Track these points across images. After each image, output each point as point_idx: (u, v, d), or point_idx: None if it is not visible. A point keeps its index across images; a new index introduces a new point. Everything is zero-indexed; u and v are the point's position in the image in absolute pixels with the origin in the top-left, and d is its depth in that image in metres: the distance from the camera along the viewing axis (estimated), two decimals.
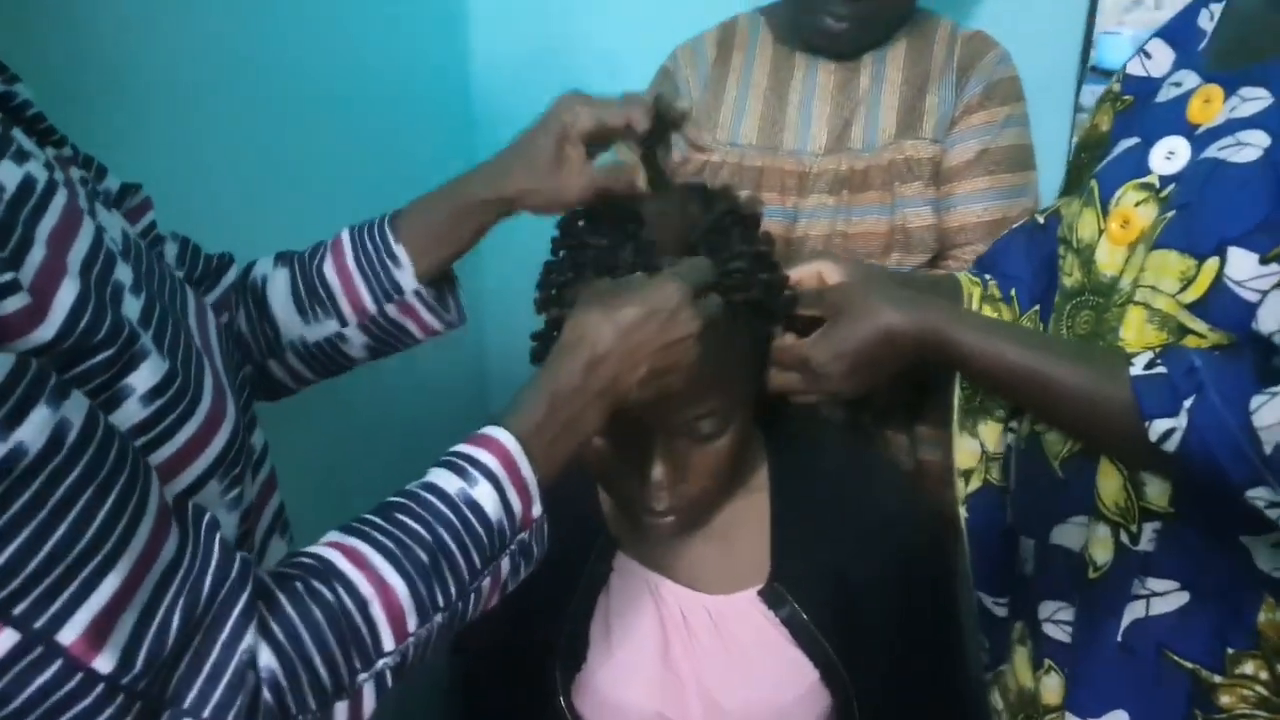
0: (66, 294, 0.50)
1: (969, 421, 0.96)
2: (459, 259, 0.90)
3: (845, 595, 0.94)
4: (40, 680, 0.44)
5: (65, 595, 0.45)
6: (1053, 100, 1.27)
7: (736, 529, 0.97)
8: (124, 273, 0.58)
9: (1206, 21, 0.86)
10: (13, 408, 0.43)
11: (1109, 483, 0.80)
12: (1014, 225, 1.05)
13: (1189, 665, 0.80)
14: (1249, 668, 0.77)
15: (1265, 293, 0.69)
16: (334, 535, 0.59)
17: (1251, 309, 0.70)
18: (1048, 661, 0.90)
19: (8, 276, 0.47)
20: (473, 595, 0.61)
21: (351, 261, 0.86)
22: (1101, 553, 0.82)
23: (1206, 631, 0.79)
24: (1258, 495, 0.67)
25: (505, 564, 0.64)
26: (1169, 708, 0.81)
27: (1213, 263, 0.71)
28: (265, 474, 0.72)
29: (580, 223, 0.87)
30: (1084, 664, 0.85)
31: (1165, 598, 0.79)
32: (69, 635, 0.45)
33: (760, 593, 0.94)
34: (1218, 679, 0.79)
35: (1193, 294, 0.73)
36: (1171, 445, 0.70)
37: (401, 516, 0.59)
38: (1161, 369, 0.72)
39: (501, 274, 1.74)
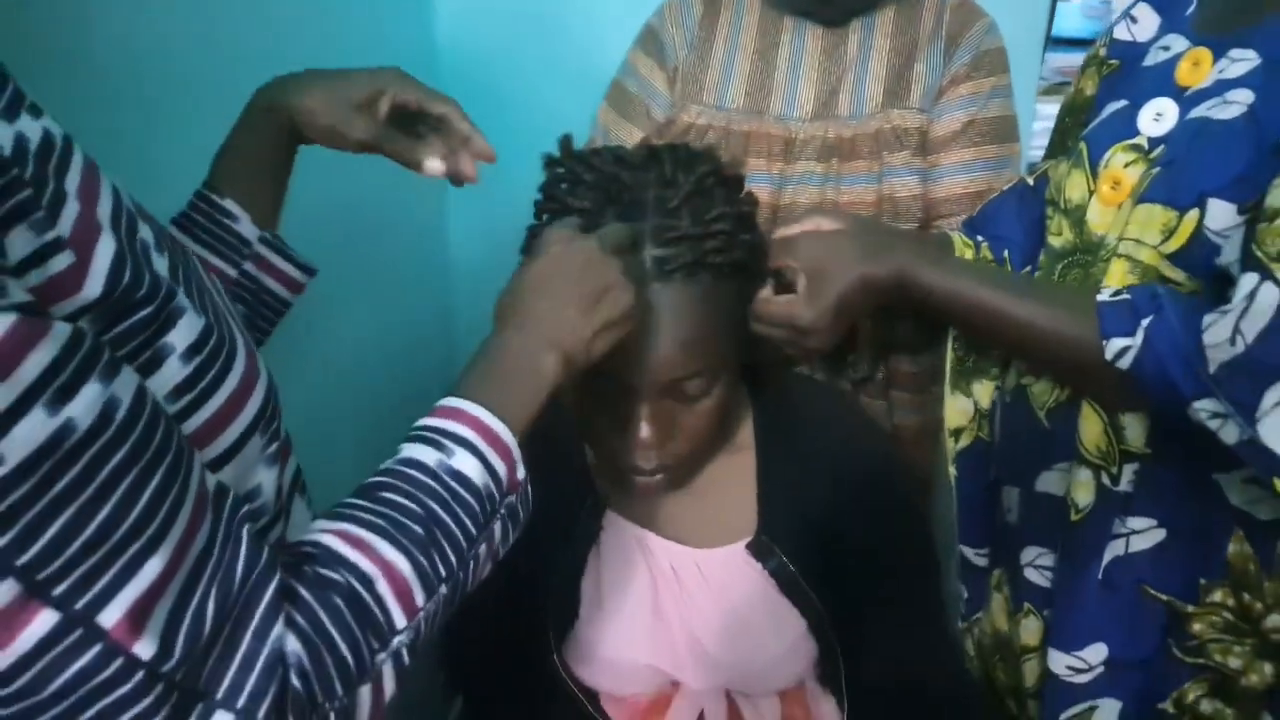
0: (105, 250, 0.49)
1: (962, 382, 0.99)
2: (283, 191, 0.87)
3: (830, 547, 0.97)
4: (80, 664, 0.43)
5: (108, 577, 0.44)
6: (1019, 69, 1.29)
7: (724, 485, 0.99)
8: (145, 231, 0.57)
9: None
10: (66, 382, 0.42)
11: (1090, 427, 0.83)
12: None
13: (1164, 598, 0.83)
14: (1218, 596, 0.82)
15: (1230, 236, 0.72)
16: (324, 523, 0.58)
17: (1218, 249, 0.73)
18: (1027, 605, 0.94)
19: (51, 235, 0.46)
20: (471, 562, 0.61)
21: (193, 240, 0.82)
22: (1084, 495, 0.85)
23: (1182, 565, 0.83)
24: (1203, 407, 0.71)
25: (497, 529, 0.63)
26: (1144, 638, 0.85)
27: (1193, 214, 0.74)
28: (284, 434, 0.72)
29: (563, 185, 0.87)
30: (1065, 602, 0.89)
31: (1144, 535, 0.83)
32: (110, 618, 0.44)
33: (748, 546, 0.96)
34: (1190, 608, 0.83)
35: (1174, 244, 0.76)
36: (1125, 363, 0.74)
37: (387, 494, 0.59)
38: (1125, 296, 0.76)
39: (469, 249, 1.75)
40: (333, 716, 0.52)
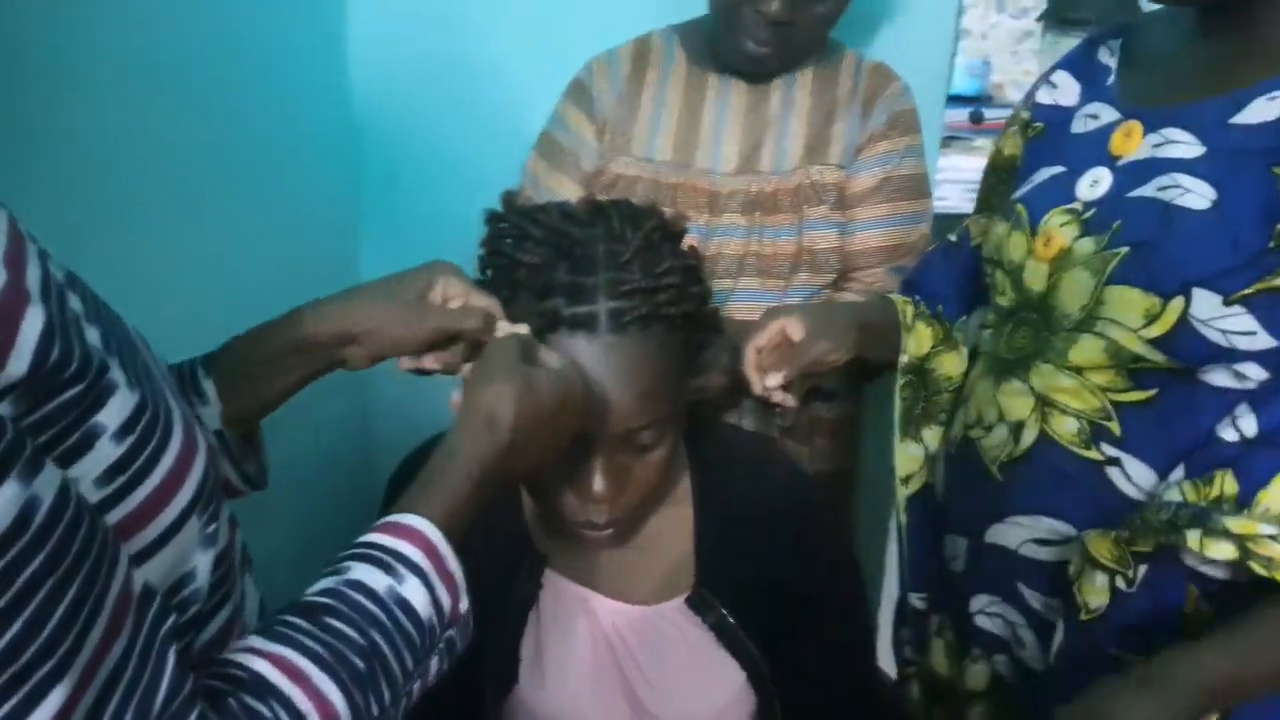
0: (33, 322, 0.45)
1: (911, 428, 1.02)
2: (274, 408, 0.82)
3: (768, 596, 0.98)
4: None
5: (13, 701, 0.40)
6: (923, 126, 1.35)
7: (663, 540, 0.99)
8: (75, 301, 0.53)
9: (1107, 57, 0.93)
10: None
11: (1098, 539, 0.84)
12: (913, 249, 1.12)
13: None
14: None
15: (1243, 344, 0.75)
16: (261, 643, 0.54)
17: (1215, 347, 0.76)
18: (976, 651, 0.96)
19: None
20: (404, 698, 0.59)
21: None
22: (1096, 598, 0.85)
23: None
24: None
25: (434, 663, 0.61)
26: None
27: (1178, 302, 0.77)
28: (228, 509, 0.68)
29: (508, 240, 0.87)
30: (1066, 687, 0.86)
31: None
32: None
33: (687, 600, 0.96)
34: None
35: (1157, 329, 0.79)
36: None
37: (332, 621, 0.56)
38: None
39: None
40: None
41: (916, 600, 1.04)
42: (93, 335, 0.52)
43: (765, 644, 0.97)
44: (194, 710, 0.47)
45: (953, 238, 1.06)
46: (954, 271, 1.03)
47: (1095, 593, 0.86)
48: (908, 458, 1.02)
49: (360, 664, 0.55)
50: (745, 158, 1.26)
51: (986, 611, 0.95)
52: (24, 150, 0.89)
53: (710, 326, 0.93)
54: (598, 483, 0.85)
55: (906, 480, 1.02)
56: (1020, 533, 0.89)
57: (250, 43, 1.31)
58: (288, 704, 0.52)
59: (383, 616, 0.57)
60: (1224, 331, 0.75)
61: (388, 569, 0.58)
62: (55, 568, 0.41)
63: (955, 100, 1.83)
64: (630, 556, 0.98)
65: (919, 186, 1.27)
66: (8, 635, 0.39)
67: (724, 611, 0.96)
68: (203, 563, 0.57)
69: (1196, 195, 0.78)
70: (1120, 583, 0.84)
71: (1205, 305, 0.76)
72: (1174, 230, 0.79)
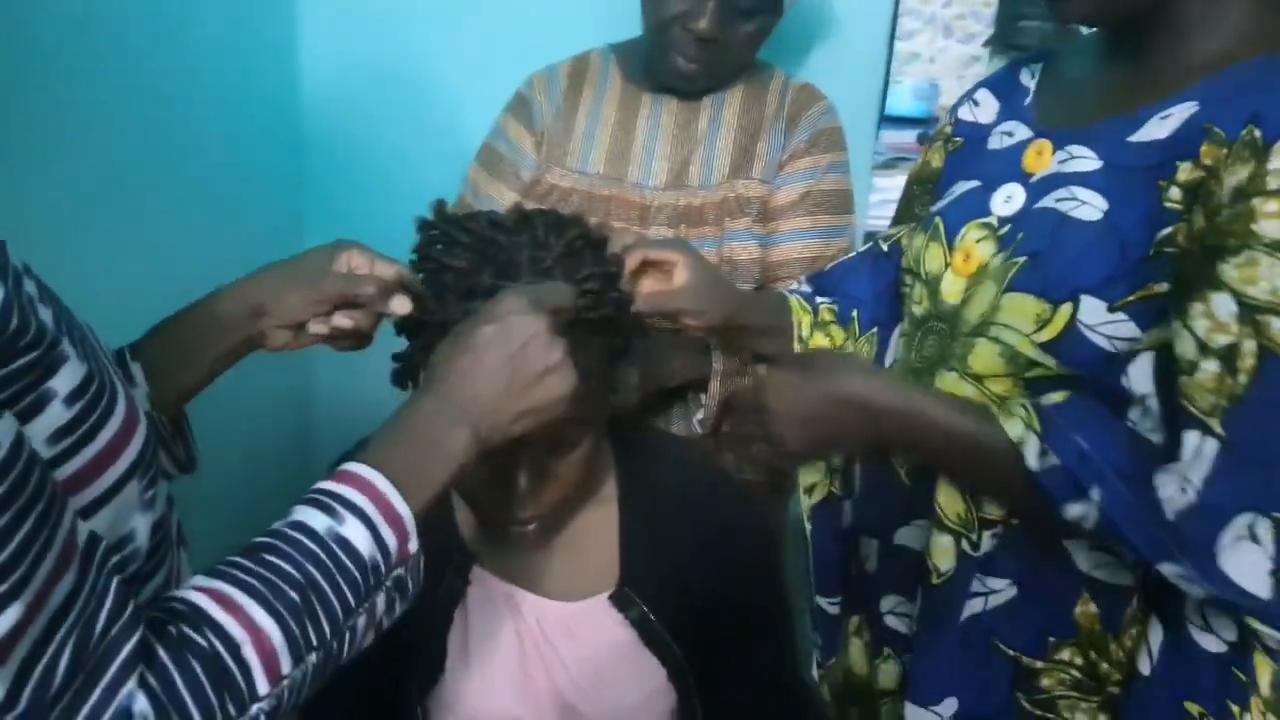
0: None
1: None
2: (198, 390, 0.86)
3: (690, 595, 1.01)
4: None
5: None
6: (855, 145, 1.40)
7: (587, 538, 1.02)
8: (30, 285, 0.58)
9: (1028, 79, 0.98)
10: None
11: (949, 497, 0.89)
12: (832, 261, 1.16)
13: (1012, 653, 0.90)
14: (1066, 654, 0.88)
15: (1126, 350, 0.79)
16: (201, 580, 0.58)
17: (1100, 352, 0.80)
18: (886, 650, 1.00)
19: None
20: (347, 633, 0.61)
21: None
22: (945, 560, 0.91)
23: (1032, 622, 0.89)
24: (1168, 570, 0.76)
25: (380, 600, 0.63)
26: (993, 691, 0.91)
27: (1066, 308, 0.81)
28: (166, 486, 0.71)
29: (438, 246, 0.90)
30: (923, 656, 0.95)
31: (1000, 594, 0.89)
32: None
33: (611, 597, 0.99)
34: (1039, 664, 0.89)
35: (1047, 334, 0.83)
36: (1089, 525, 0.78)
37: (269, 556, 0.58)
38: (1054, 460, 0.79)
39: None
40: None
41: (827, 604, 1.08)
42: (45, 314, 0.57)
43: (687, 643, 1.00)
44: (133, 636, 0.51)
45: (884, 245, 1.10)
46: (878, 279, 1.07)
47: (942, 555, 0.91)
48: (810, 468, 1.06)
49: (295, 596, 0.57)
50: (675, 173, 1.30)
51: (895, 611, 0.98)
52: None
53: (631, 332, 0.97)
54: (521, 480, 0.88)
55: (810, 490, 1.06)
56: (925, 535, 0.93)
57: (201, 44, 1.34)
58: (221, 633, 0.54)
59: (320, 553, 0.59)
60: (1109, 337, 0.80)
61: (328, 510, 0.61)
62: (11, 503, 0.46)
63: (903, 121, 1.88)
64: (556, 554, 1.02)
65: (841, 202, 1.31)
66: None
67: (646, 609, 0.99)
68: (142, 525, 0.61)
69: (1090, 207, 0.82)
70: (965, 545, 0.89)
71: (1092, 311, 0.80)
72: (1066, 239, 0.83)
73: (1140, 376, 0.79)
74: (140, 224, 1.17)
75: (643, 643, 0.99)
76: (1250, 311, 0.71)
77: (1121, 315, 0.79)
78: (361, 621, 0.62)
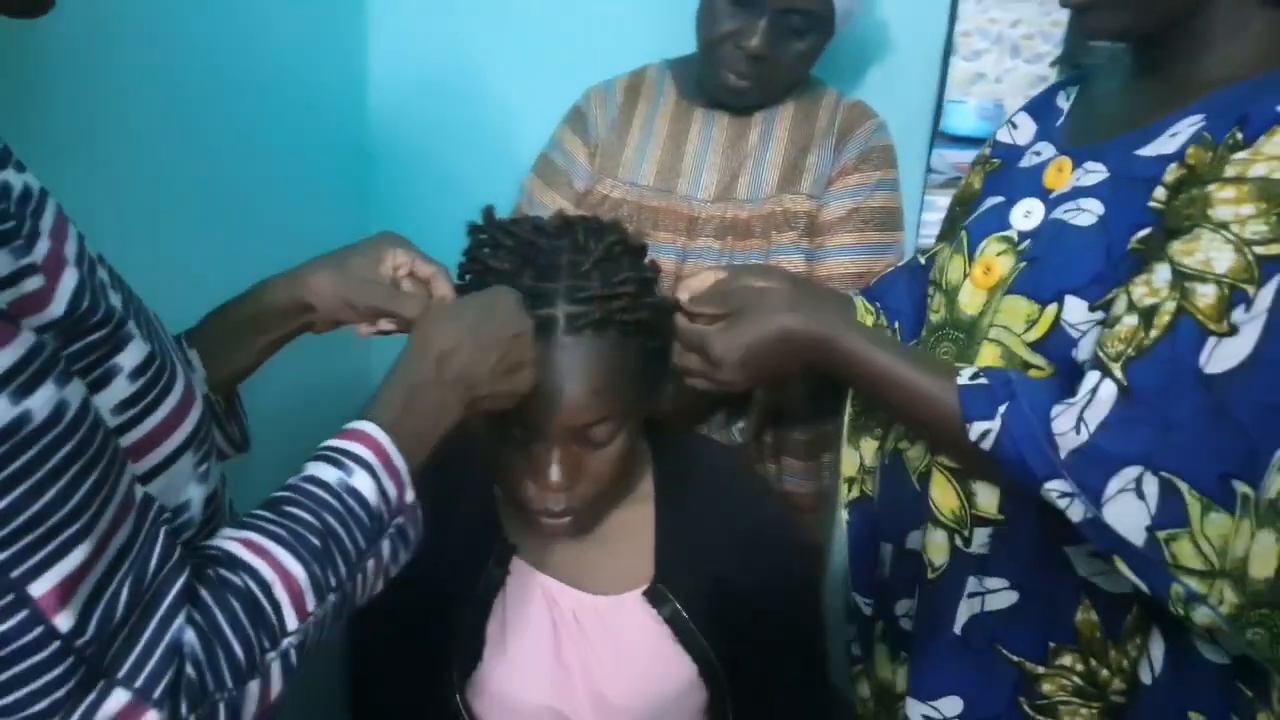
0: (69, 280, 0.56)
1: (855, 436, 1.08)
2: (249, 372, 0.92)
3: (723, 597, 1.03)
4: (4, 627, 0.48)
5: (44, 552, 0.49)
6: (907, 164, 1.42)
7: (624, 534, 1.06)
8: (102, 272, 0.64)
9: (1063, 101, 1.00)
10: (28, 379, 0.49)
11: (943, 492, 0.92)
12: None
13: (1015, 658, 0.91)
14: (1067, 660, 0.89)
15: (1086, 331, 0.82)
16: (230, 531, 0.64)
17: (1075, 343, 0.83)
18: (903, 654, 1.01)
19: (27, 260, 0.53)
20: (360, 575, 0.67)
21: None
22: (938, 555, 0.93)
23: (1033, 627, 0.90)
24: (1053, 487, 0.79)
25: (385, 547, 0.69)
26: (997, 694, 0.93)
27: (1052, 308, 0.84)
28: (219, 467, 0.77)
29: (485, 249, 0.95)
30: (922, 654, 0.96)
31: (998, 595, 0.91)
32: (40, 588, 0.49)
33: (645, 593, 1.02)
34: (1040, 670, 0.90)
35: (1035, 334, 0.85)
36: (987, 444, 0.82)
37: (289, 508, 0.64)
38: (983, 380, 0.84)
39: None
40: (222, 706, 0.57)
41: (862, 604, 1.09)
42: (115, 299, 0.63)
43: (718, 642, 1.03)
44: (181, 576, 0.57)
45: (922, 259, 1.12)
46: (915, 292, 1.09)
47: (936, 550, 0.92)
48: (849, 462, 1.08)
49: (316, 541, 0.63)
50: (723, 186, 1.33)
51: (909, 615, 1.00)
52: (56, 153, 0.98)
53: (668, 335, 1.00)
54: (553, 472, 0.91)
55: (850, 483, 1.08)
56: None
57: (272, 58, 1.40)
58: (254, 573, 0.60)
59: (334, 502, 0.65)
60: (1084, 333, 0.82)
61: (338, 464, 0.67)
62: (81, 455, 0.51)
63: (966, 141, 1.89)
64: (592, 549, 1.05)
65: (889, 219, 1.33)
66: (44, 499, 0.49)
67: (678, 606, 1.02)
68: (196, 496, 0.66)
69: (1088, 214, 0.84)
70: (959, 541, 0.91)
71: (1075, 310, 0.82)
72: (1061, 244, 0.85)
73: (1086, 346, 0.82)
74: (209, 225, 1.24)
75: (675, 639, 1.02)
76: (1180, 278, 0.74)
77: (1100, 314, 0.81)
78: (371, 565, 0.68)
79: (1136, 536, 0.75)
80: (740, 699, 1.05)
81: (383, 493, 0.68)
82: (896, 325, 1.10)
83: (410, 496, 0.71)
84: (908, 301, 1.10)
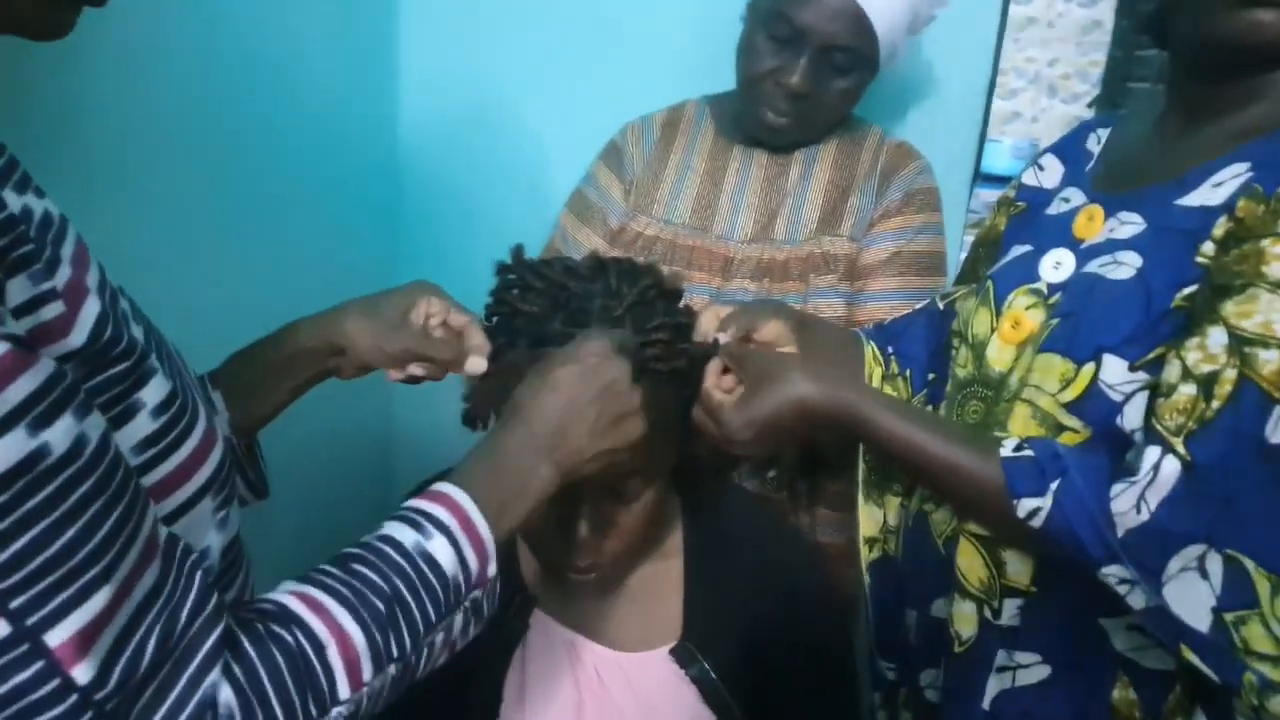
0: (90, 309, 0.54)
1: (873, 493, 1.03)
2: (273, 416, 0.90)
3: (753, 656, 0.99)
4: (19, 678, 0.45)
5: (61, 598, 0.46)
6: (949, 204, 1.38)
7: (651, 590, 1.02)
8: (124, 303, 0.62)
9: (1094, 144, 0.96)
10: (46, 410, 0.46)
11: (970, 561, 0.87)
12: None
13: None
14: None
15: (1130, 394, 0.77)
16: (290, 584, 0.59)
17: (1118, 407, 0.78)
18: None
19: (47, 285, 0.50)
20: (425, 648, 0.62)
21: None
22: (966, 627, 0.88)
23: (1067, 704, 0.85)
24: (1111, 572, 0.74)
25: (458, 620, 0.64)
26: None
27: (1089, 367, 0.79)
28: (234, 506, 0.74)
29: (514, 290, 0.91)
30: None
31: (1029, 670, 0.85)
32: (57, 638, 0.46)
33: (672, 651, 0.98)
34: None
35: (1070, 394, 0.81)
36: (1037, 522, 0.77)
37: (358, 566, 0.60)
38: (1029, 452, 0.79)
39: None
40: None
41: (885, 669, 1.05)
42: (137, 331, 0.60)
43: (747, 702, 0.98)
44: (217, 628, 0.53)
45: (940, 304, 1.07)
46: (931, 340, 1.05)
47: (964, 622, 0.88)
48: (870, 520, 1.03)
49: (380, 605, 0.59)
50: (761, 226, 1.30)
51: (934, 686, 0.95)
52: (85, 184, 0.96)
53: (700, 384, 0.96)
54: (581, 529, 0.88)
55: (870, 544, 1.03)
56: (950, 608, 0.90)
57: (304, 84, 1.40)
58: (308, 631, 0.56)
59: (407, 567, 0.61)
60: (1126, 395, 0.77)
61: (417, 526, 0.63)
62: (102, 492, 0.48)
63: (1001, 180, 1.86)
64: (619, 604, 1.01)
65: (932, 264, 1.29)
66: (62, 539, 0.46)
67: (706, 665, 0.98)
68: (215, 544, 0.63)
69: (1126, 267, 0.80)
70: (987, 613, 0.86)
71: (1113, 370, 0.78)
72: (1096, 298, 0.81)
73: (1134, 414, 0.77)
74: (237, 256, 1.23)
75: (702, 700, 0.98)
76: (1239, 343, 0.70)
77: (1142, 375, 0.77)
78: (439, 638, 0.63)
79: (1202, 621, 0.70)
80: None
81: (462, 562, 0.63)
82: (908, 373, 1.06)
83: (493, 570, 0.66)
84: (923, 349, 1.06)
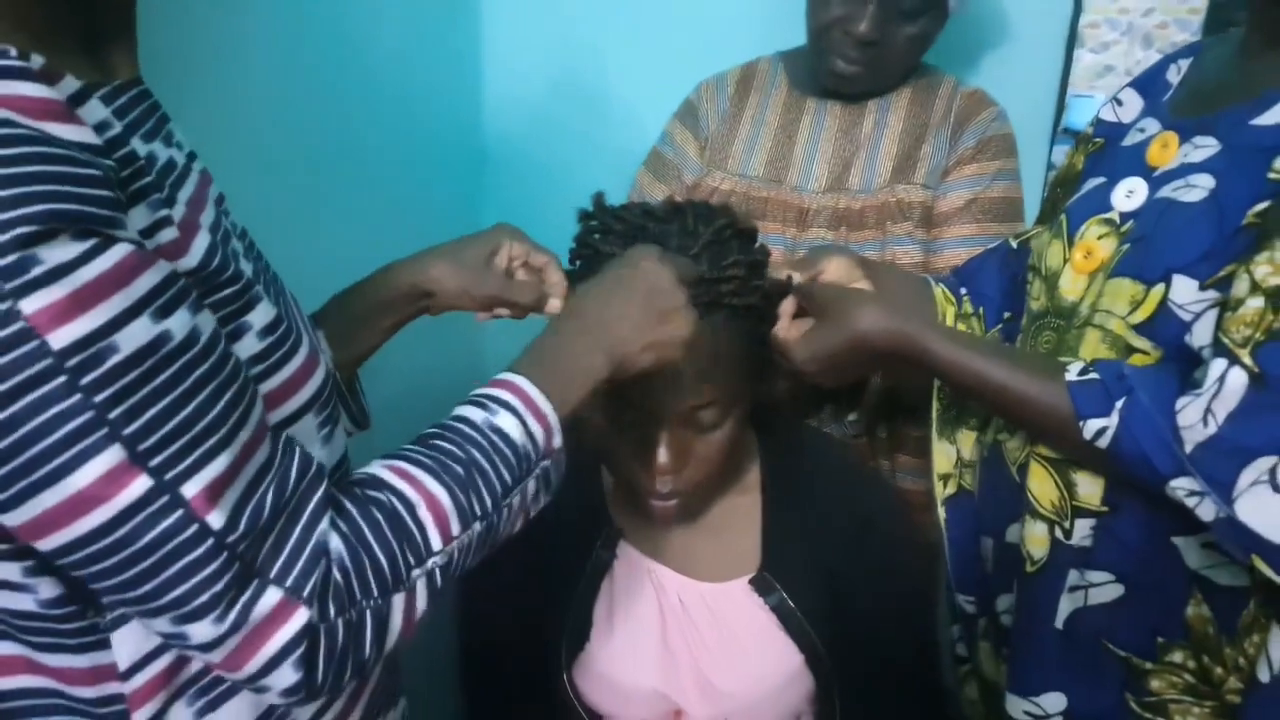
0: (201, 241, 0.60)
1: (947, 430, 1.05)
2: (371, 353, 0.96)
3: (831, 587, 1.03)
4: (162, 525, 0.51)
5: (195, 455, 0.52)
6: (1028, 156, 1.37)
7: (731, 522, 1.06)
8: (236, 243, 0.69)
9: (1174, 75, 0.96)
10: (165, 303, 0.52)
11: (1041, 483, 0.89)
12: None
13: (1122, 654, 0.87)
14: (1178, 657, 0.85)
15: (1199, 313, 0.78)
16: (379, 460, 0.66)
17: (1187, 326, 0.79)
18: (1005, 651, 0.98)
19: (164, 212, 0.57)
20: (505, 509, 0.68)
21: None
22: (1038, 548, 0.90)
23: (1140, 622, 0.86)
24: (1180, 485, 0.75)
25: (531, 485, 0.70)
26: (1104, 691, 0.89)
27: (1159, 288, 0.80)
28: (345, 438, 0.81)
29: (596, 235, 0.96)
30: (1024, 649, 0.93)
31: (1102, 589, 0.87)
32: (192, 489, 0.52)
33: (751, 581, 1.02)
34: (1149, 665, 0.86)
35: (1140, 315, 0.82)
36: (1104, 442, 0.79)
37: (435, 441, 0.67)
38: (1094, 375, 0.81)
39: None
40: (368, 614, 0.60)
41: (964, 602, 1.07)
42: (246, 267, 0.67)
43: (825, 632, 1.02)
44: (320, 487, 0.60)
45: (1013, 243, 1.08)
46: (1004, 278, 1.06)
47: (1036, 543, 0.89)
48: (943, 458, 1.05)
49: (460, 470, 0.65)
50: (835, 177, 1.32)
51: (1010, 611, 0.97)
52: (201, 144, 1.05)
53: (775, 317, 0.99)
54: (661, 454, 0.93)
55: (945, 480, 1.05)
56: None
57: (388, 55, 1.46)
58: (399, 494, 0.63)
59: (480, 438, 0.67)
60: (1196, 315, 0.78)
61: (484, 406, 0.69)
62: (216, 374, 0.55)
63: None
64: (699, 536, 1.06)
65: (1010, 209, 1.29)
66: (188, 409, 0.53)
67: (785, 595, 1.02)
68: (323, 459, 0.69)
69: (1198, 189, 0.80)
70: (1059, 533, 0.87)
71: (1184, 290, 0.78)
72: (1167, 221, 0.81)
73: (1203, 331, 0.77)
74: (327, 219, 1.30)
75: (781, 628, 1.02)
76: None
77: (1212, 293, 0.77)
78: (515, 501, 0.69)
79: (1274, 532, 0.71)
80: (848, 690, 1.03)
81: (529, 434, 0.69)
82: (981, 311, 1.07)
83: (558, 441, 0.72)
84: (995, 288, 1.07)
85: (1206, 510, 0.75)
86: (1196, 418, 0.74)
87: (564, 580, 1.05)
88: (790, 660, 1.02)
